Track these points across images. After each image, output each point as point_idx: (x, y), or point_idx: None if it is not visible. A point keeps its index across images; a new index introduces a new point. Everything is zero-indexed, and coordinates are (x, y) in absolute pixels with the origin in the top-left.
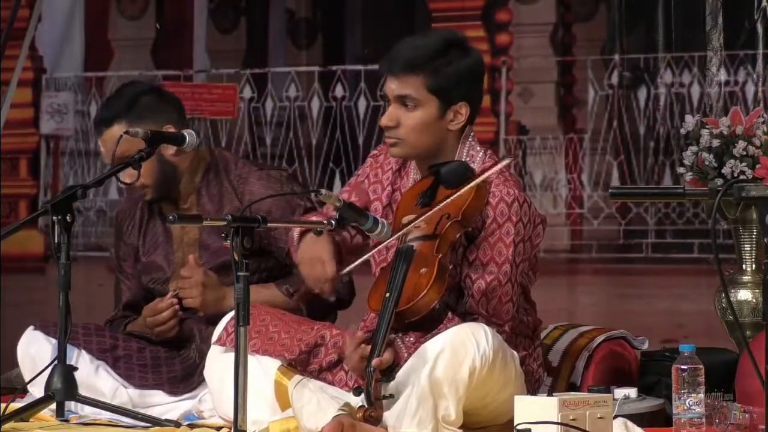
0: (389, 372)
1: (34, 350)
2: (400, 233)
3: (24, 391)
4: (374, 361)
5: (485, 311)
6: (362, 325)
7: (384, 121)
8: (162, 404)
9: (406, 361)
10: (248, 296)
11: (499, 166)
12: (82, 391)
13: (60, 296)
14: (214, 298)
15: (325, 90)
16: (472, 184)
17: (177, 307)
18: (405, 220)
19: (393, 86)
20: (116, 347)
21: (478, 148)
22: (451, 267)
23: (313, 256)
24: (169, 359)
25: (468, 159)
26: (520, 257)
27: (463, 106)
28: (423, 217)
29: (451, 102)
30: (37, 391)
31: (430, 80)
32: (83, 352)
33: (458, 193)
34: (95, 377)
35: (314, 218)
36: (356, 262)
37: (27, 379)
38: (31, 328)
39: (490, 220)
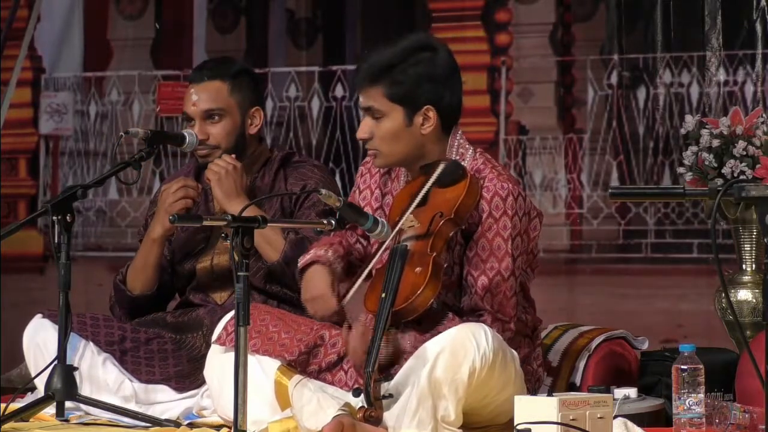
0: (389, 368)
1: (41, 338)
2: (393, 233)
3: (24, 391)
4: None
5: (491, 307)
6: None
7: (358, 134)
8: (165, 401)
9: (413, 349)
10: (248, 297)
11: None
12: (87, 384)
13: (60, 296)
14: (230, 186)
15: (325, 90)
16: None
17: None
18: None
19: (361, 99)
20: (124, 339)
21: (467, 146)
22: (446, 265)
23: (313, 295)
24: (176, 351)
25: (457, 158)
26: (518, 250)
27: (429, 109)
28: (408, 212)
29: (416, 107)
30: (41, 383)
31: (388, 90)
32: (90, 343)
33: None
34: (101, 369)
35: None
36: (354, 287)
37: (30, 367)
38: (38, 315)
39: (486, 215)
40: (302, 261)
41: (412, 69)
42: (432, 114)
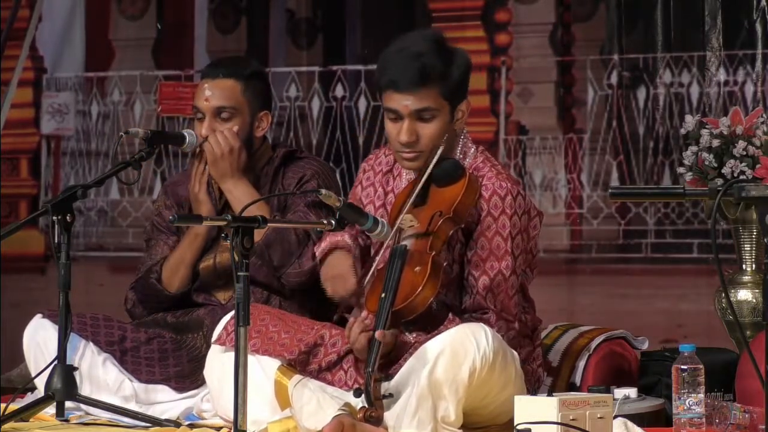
0: (388, 367)
1: (41, 338)
2: (392, 233)
3: (24, 391)
4: (377, 333)
5: (494, 306)
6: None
7: (405, 137)
8: (165, 401)
9: (412, 347)
10: (248, 296)
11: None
12: (87, 384)
13: (60, 296)
14: (225, 168)
15: (326, 90)
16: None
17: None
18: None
19: (407, 102)
20: (124, 339)
21: (470, 144)
22: (445, 264)
23: (334, 274)
24: (176, 351)
25: (461, 156)
26: (519, 249)
27: (464, 103)
28: (404, 211)
29: (457, 103)
30: (41, 383)
31: (443, 88)
32: (90, 343)
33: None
34: (101, 369)
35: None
36: (372, 270)
37: (30, 366)
38: (38, 315)
39: (485, 214)
40: (319, 250)
41: (455, 63)
42: (466, 107)
